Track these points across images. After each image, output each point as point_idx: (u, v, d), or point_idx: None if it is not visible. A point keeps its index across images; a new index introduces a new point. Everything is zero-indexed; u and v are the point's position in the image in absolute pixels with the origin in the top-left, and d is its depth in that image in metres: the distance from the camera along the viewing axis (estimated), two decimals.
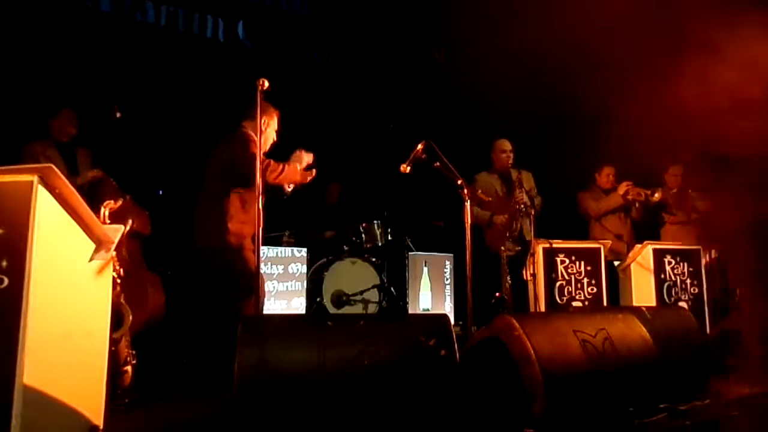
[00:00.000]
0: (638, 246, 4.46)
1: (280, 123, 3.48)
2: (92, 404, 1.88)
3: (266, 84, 2.88)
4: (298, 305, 4.95)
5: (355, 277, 4.85)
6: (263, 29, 5.97)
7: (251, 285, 3.04)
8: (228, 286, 3.24)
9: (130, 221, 3.35)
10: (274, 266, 4.91)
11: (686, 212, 5.08)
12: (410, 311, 5.15)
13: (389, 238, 5.16)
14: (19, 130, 3.87)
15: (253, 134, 3.28)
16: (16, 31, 4.41)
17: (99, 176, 3.57)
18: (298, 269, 5.02)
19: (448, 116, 6.26)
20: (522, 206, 4.19)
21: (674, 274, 4.42)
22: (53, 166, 1.62)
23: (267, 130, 3.38)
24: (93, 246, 1.91)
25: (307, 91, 5.73)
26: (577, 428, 2.05)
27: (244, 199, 3.27)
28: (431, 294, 5.42)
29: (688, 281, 4.44)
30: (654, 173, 5.21)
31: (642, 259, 4.39)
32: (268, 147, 3.41)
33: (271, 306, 4.83)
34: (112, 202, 2.55)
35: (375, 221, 5.13)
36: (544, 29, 5.19)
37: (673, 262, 4.43)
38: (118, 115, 3.37)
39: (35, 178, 1.61)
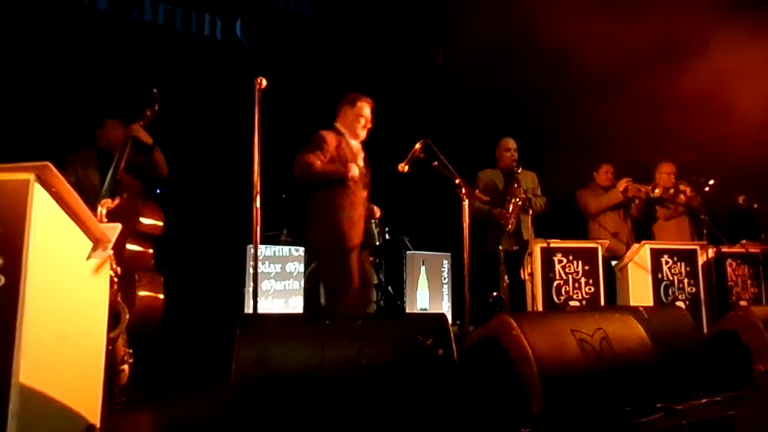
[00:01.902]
0: (636, 245, 4.47)
1: (373, 113, 3.64)
2: (89, 403, 1.88)
3: (264, 82, 2.87)
4: (295, 304, 4.94)
5: None
6: (261, 28, 5.97)
7: (342, 286, 3.26)
8: (324, 283, 3.42)
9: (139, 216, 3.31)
10: (271, 265, 4.91)
11: (678, 206, 5.09)
12: (408, 310, 5.16)
13: (387, 237, 5.16)
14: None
15: (327, 133, 3.49)
16: (13, 32, 4.40)
17: (149, 143, 3.47)
18: (295, 268, 5.01)
19: (447, 115, 6.26)
20: (518, 200, 4.18)
21: (671, 274, 4.42)
22: (50, 164, 1.62)
23: (351, 118, 3.57)
24: (90, 244, 1.91)
25: (306, 90, 5.72)
26: (574, 428, 2.05)
27: (348, 198, 3.38)
28: (429, 293, 5.42)
29: (686, 281, 4.45)
30: (647, 171, 5.21)
31: (639, 259, 4.40)
32: (361, 134, 3.59)
33: (268, 305, 4.83)
34: (109, 200, 2.55)
35: (372, 220, 5.12)
36: (541, 29, 5.20)
37: (671, 261, 4.43)
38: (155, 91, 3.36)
39: (32, 177, 1.60)
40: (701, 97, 5.33)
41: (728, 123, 5.33)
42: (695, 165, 5.18)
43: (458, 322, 5.13)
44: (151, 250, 3.37)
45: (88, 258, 1.90)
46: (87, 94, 4.38)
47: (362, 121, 3.59)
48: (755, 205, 4.97)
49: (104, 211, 2.45)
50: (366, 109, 3.60)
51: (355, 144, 3.59)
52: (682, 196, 4.97)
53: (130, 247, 3.17)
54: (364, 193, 3.59)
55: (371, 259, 4.97)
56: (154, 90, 3.36)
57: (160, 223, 3.39)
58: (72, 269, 1.83)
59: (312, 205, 3.48)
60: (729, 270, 4.66)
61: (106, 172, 3.30)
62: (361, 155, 3.62)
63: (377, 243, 5.09)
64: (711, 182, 4.77)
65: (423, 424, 1.90)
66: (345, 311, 3.24)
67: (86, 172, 3.44)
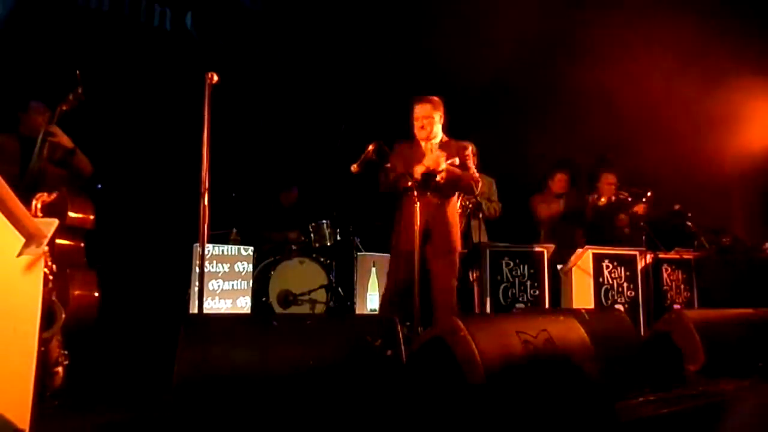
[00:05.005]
0: (579, 250, 4.61)
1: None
2: (17, 407, 1.78)
3: (215, 78, 2.80)
4: (243, 304, 4.85)
5: (302, 276, 4.80)
6: (213, 21, 5.83)
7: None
8: None
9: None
10: (219, 264, 4.80)
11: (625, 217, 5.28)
12: (357, 312, 5.14)
13: (338, 238, 5.13)
14: None
15: (397, 143, 3.56)
16: None
17: (70, 147, 3.26)
18: (244, 268, 4.92)
19: (401, 116, 6.28)
20: (468, 204, 4.23)
21: (611, 278, 4.60)
22: None
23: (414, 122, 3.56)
24: (22, 240, 1.81)
25: (258, 87, 5.63)
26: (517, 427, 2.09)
27: (415, 200, 3.22)
28: (379, 295, 5.42)
29: (625, 285, 4.63)
30: (590, 180, 5.39)
31: (582, 263, 4.55)
32: (420, 134, 3.53)
33: (215, 305, 4.72)
34: (45, 194, 2.43)
35: (324, 221, 5.09)
36: (496, 30, 5.31)
37: (611, 266, 4.61)
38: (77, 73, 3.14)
39: None
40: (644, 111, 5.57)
41: (664, 137, 5.60)
42: (632, 173, 5.41)
43: (408, 323, 5.15)
44: (82, 245, 3.21)
45: (19, 255, 1.79)
46: (16, 78, 4.15)
47: (417, 123, 3.54)
48: (689, 214, 5.22)
49: (39, 205, 2.33)
50: (416, 109, 3.54)
51: (425, 145, 3.52)
52: (636, 210, 5.11)
53: (59, 242, 3.01)
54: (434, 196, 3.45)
55: (322, 259, 4.94)
56: (77, 72, 3.15)
57: (91, 216, 3.22)
58: (1, 266, 1.73)
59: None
60: (665, 275, 4.88)
61: (28, 159, 3.12)
62: (431, 156, 3.44)
63: (328, 243, 5.07)
64: (649, 194, 4.98)
65: (370, 425, 1.90)
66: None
67: (5, 158, 3.25)
